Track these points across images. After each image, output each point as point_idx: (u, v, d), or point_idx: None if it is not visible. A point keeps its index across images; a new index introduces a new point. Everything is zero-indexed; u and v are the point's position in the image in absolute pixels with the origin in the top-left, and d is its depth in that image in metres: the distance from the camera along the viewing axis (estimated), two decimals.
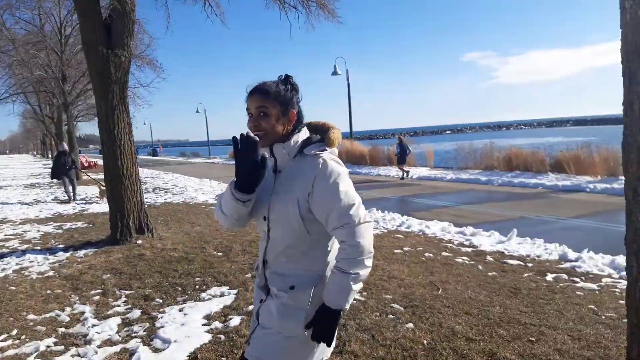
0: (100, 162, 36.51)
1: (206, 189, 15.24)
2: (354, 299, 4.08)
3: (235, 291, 4.50)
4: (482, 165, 17.26)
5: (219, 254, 6.01)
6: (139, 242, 6.64)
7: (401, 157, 17.13)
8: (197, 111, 44.56)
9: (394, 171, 18.89)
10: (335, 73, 23.99)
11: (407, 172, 17.30)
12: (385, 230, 7.28)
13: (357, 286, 1.59)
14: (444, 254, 5.73)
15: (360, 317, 3.73)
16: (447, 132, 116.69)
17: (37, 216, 10.15)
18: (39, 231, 8.25)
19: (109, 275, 5.25)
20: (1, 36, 18.48)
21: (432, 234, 6.96)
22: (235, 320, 3.76)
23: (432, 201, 11.19)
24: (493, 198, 11.42)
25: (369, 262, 1.59)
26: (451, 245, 6.21)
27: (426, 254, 5.70)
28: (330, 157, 1.66)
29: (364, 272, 1.58)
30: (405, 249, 6.02)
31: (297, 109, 1.71)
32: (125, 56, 6.68)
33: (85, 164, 29.41)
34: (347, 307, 1.62)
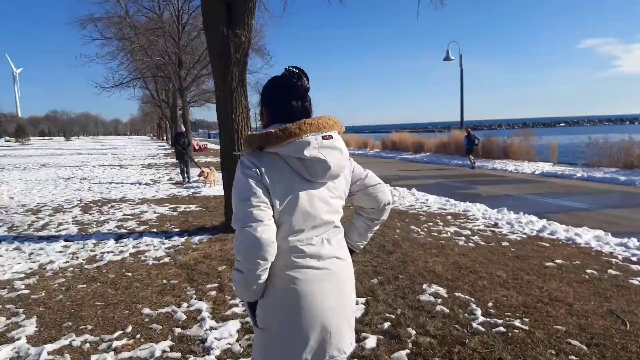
0: (210, 145, 38.29)
1: None
2: (513, 327, 3.29)
3: (362, 301, 3.90)
4: (619, 162, 15.09)
5: None
6: None
7: (469, 148, 18.38)
8: None
9: (511, 166, 17.51)
10: (447, 58, 22.59)
11: (474, 162, 18.46)
12: (525, 236, 6.25)
13: (240, 282, 1.52)
14: (611, 271, 4.66)
15: (530, 354, 2.93)
16: (561, 124, 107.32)
17: (154, 196, 10.43)
18: (155, 212, 8.35)
19: (224, 266, 4.94)
20: (125, 24, 19.66)
21: (585, 243, 5.82)
22: (370, 341, 3.15)
23: (566, 202, 9.78)
24: None
25: (240, 266, 1.50)
26: (615, 260, 5.09)
27: (588, 271, 4.68)
28: (241, 160, 1.57)
29: (238, 274, 1.51)
30: (557, 261, 5.02)
31: (278, 105, 1.61)
32: (246, 36, 6.31)
33: (197, 147, 30.87)
34: (243, 299, 1.62)
